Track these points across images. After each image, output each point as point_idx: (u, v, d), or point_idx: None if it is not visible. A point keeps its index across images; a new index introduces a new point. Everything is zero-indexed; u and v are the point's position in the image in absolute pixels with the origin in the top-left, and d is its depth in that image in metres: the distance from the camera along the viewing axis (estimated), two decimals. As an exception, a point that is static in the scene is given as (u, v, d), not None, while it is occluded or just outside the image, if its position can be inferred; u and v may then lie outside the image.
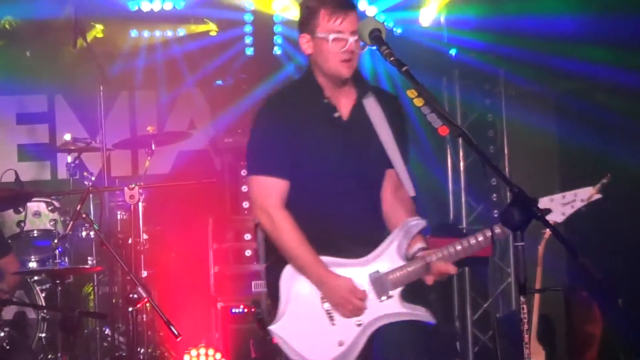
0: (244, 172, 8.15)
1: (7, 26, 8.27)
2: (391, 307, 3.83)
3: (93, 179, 7.22)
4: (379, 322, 3.82)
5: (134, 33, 8.70)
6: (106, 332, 7.28)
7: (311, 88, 3.95)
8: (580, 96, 7.68)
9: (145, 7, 8.29)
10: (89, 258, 7.18)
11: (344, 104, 3.96)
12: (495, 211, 8.17)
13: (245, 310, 7.18)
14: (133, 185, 6.30)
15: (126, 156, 8.78)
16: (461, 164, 8.42)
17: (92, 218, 6.46)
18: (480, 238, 3.78)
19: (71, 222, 5.99)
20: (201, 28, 8.75)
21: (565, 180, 7.88)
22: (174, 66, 8.75)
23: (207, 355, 6.79)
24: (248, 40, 8.69)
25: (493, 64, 8.17)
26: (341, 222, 3.88)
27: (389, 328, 3.83)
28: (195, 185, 7.71)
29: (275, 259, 3.91)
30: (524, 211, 3.10)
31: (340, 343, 3.80)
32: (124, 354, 7.12)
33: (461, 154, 8.41)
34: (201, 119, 8.95)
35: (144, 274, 6.94)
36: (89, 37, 8.08)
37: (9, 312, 6.57)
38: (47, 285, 6.91)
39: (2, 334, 5.98)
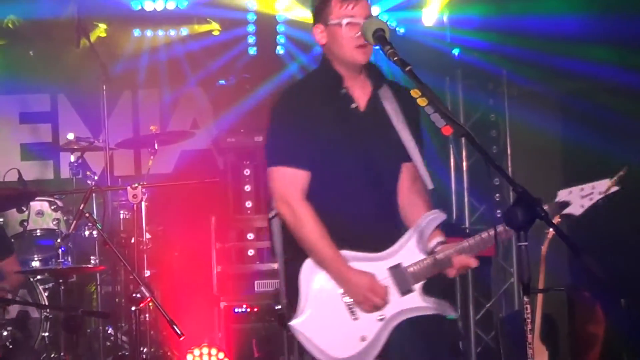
0: (246, 172, 8.16)
1: (10, 25, 8.28)
2: (413, 301, 3.78)
3: (96, 178, 7.22)
4: (401, 317, 3.76)
5: (136, 32, 8.71)
6: (109, 332, 7.28)
7: (330, 77, 3.91)
8: (584, 96, 7.67)
9: (148, 7, 8.30)
10: (91, 257, 7.18)
11: (360, 95, 3.93)
12: (498, 211, 8.15)
13: (248, 310, 7.18)
14: (136, 185, 6.33)
15: (129, 155, 8.78)
16: (464, 163, 8.42)
17: (95, 217, 6.45)
18: (500, 228, 3.69)
19: (74, 222, 6.01)
20: (204, 27, 8.76)
21: (568, 180, 7.85)
22: (176, 66, 8.75)
23: (210, 354, 6.79)
24: (251, 39, 8.70)
25: (496, 64, 8.16)
26: (360, 215, 3.84)
27: (409, 322, 3.78)
28: (198, 185, 7.72)
29: (293, 254, 3.85)
30: (528, 211, 3.10)
31: (363, 338, 3.75)
32: (126, 353, 7.12)
33: (464, 153, 8.41)
34: (204, 118, 8.96)
35: (147, 273, 6.95)
36: (92, 37, 8.11)
37: (12, 311, 6.57)
38: (50, 285, 6.90)
39: (5, 333, 5.98)
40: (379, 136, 3.90)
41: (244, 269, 7.52)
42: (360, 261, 3.79)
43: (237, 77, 8.68)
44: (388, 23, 3.98)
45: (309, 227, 3.77)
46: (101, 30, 8.47)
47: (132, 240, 6.80)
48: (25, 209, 7.07)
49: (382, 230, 3.87)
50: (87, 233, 7.20)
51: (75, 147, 7.43)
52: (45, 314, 6.55)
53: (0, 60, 8.59)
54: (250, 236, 7.73)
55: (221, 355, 6.81)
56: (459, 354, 7.97)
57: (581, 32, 7.09)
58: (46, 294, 6.83)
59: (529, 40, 7.44)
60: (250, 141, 8.08)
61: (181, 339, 5.28)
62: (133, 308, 5.59)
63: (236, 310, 7.26)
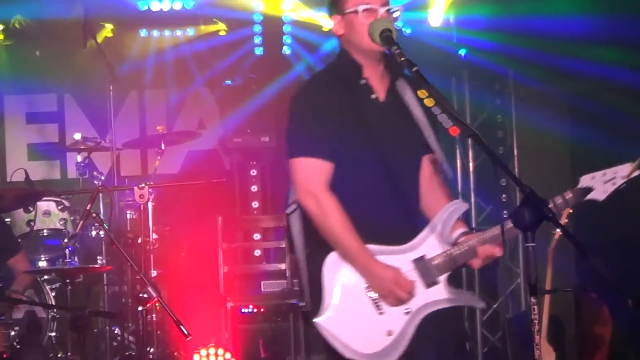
0: (253, 172, 8.18)
1: (17, 26, 8.30)
2: (439, 294, 3.73)
3: (103, 178, 7.23)
4: (427, 310, 3.70)
5: (143, 33, 8.73)
6: (116, 332, 7.29)
7: (350, 67, 3.84)
8: (591, 97, 7.65)
9: (155, 7, 8.31)
10: (98, 257, 7.19)
11: (379, 86, 3.86)
12: (505, 212, 8.14)
13: (255, 310, 7.19)
14: (143, 185, 6.33)
15: (136, 156, 8.79)
16: (470, 164, 8.41)
17: (101, 217, 6.47)
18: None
19: (81, 222, 6.01)
20: (210, 28, 8.77)
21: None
22: (183, 66, 8.77)
23: (216, 355, 6.78)
24: (257, 40, 8.71)
25: (503, 65, 8.15)
26: (383, 208, 3.78)
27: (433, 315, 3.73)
28: (204, 185, 7.72)
29: (316, 247, 3.77)
30: (535, 212, 3.09)
31: (389, 333, 3.68)
32: (133, 354, 7.13)
33: (470, 154, 8.40)
34: (210, 118, 8.97)
35: (154, 273, 6.95)
36: (99, 37, 8.12)
37: (19, 311, 6.59)
38: (57, 285, 6.91)
39: (13, 333, 5.98)
40: (399, 127, 3.83)
41: (250, 269, 7.53)
42: (384, 254, 3.71)
43: (244, 78, 8.69)
44: (396, 20, 3.91)
45: (334, 218, 3.68)
46: (108, 30, 8.48)
47: (139, 241, 6.81)
48: (32, 209, 7.09)
49: (404, 223, 3.80)
50: (94, 233, 7.21)
51: (82, 147, 7.45)
52: (52, 314, 6.56)
53: (7, 61, 8.61)
54: (257, 236, 7.75)
55: (228, 355, 6.81)
56: (465, 354, 7.97)
57: (588, 33, 7.07)
58: (53, 294, 6.84)
59: (535, 41, 7.43)
60: (256, 141, 8.09)
61: (188, 339, 5.27)
62: (140, 308, 5.60)
63: (243, 310, 7.27)
